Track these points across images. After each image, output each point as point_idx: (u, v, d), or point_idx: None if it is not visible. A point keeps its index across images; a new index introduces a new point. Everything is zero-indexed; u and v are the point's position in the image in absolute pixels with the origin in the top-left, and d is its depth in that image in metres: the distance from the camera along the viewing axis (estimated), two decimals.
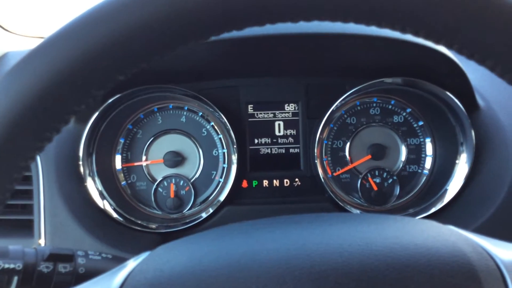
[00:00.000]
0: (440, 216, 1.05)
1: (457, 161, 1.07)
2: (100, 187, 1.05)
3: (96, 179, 1.05)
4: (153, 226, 1.06)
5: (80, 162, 1.02)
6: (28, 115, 0.36)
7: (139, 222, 1.06)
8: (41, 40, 0.39)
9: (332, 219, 0.50)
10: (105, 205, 1.04)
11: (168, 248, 0.48)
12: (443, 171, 1.11)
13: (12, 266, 0.62)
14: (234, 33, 0.41)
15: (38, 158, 0.98)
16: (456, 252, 0.43)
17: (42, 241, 0.95)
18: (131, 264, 0.46)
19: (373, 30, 0.90)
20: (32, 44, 1.23)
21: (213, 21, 0.38)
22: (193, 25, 0.38)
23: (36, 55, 0.37)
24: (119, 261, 0.68)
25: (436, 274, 0.41)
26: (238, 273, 0.41)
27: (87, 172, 1.04)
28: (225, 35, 0.41)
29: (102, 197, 1.04)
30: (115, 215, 1.04)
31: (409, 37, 0.88)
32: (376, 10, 0.40)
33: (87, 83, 0.38)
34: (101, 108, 1.03)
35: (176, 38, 0.38)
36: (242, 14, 0.39)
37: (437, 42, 0.42)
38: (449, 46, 0.42)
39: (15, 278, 0.62)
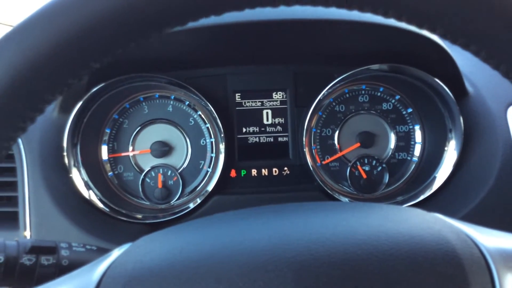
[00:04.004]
0: (429, 204, 1.04)
1: (446, 148, 1.07)
2: (86, 178, 1.04)
3: (82, 169, 1.04)
4: (139, 216, 1.05)
5: (65, 153, 1.01)
6: None
7: (125, 212, 1.04)
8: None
9: (315, 208, 0.50)
10: (90, 195, 1.02)
11: (149, 240, 0.47)
12: (432, 158, 1.10)
13: None
14: (219, 20, 0.40)
15: (22, 150, 0.96)
16: (440, 240, 0.43)
17: (27, 233, 0.94)
18: (114, 254, 0.45)
19: (360, 16, 0.89)
20: None
21: (185, 8, 0.37)
22: (163, 13, 0.37)
23: (5, 43, 0.36)
24: (104, 252, 0.68)
25: (419, 262, 0.41)
26: (219, 263, 0.40)
27: (72, 163, 1.02)
28: (210, 22, 0.40)
29: (88, 187, 1.03)
30: (100, 205, 1.02)
31: (396, 23, 0.87)
32: None
33: (60, 70, 0.37)
34: (85, 97, 1.01)
35: (148, 26, 0.37)
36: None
37: (420, 27, 0.41)
38: (432, 31, 0.41)
39: None
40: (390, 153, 1.15)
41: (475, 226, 0.47)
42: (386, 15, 0.40)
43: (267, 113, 1.14)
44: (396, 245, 0.42)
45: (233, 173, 1.12)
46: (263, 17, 0.90)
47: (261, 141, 1.14)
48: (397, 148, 1.15)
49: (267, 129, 1.14)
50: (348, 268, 0.40)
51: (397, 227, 0.45)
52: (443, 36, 0.41)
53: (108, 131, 1.12)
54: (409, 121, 1.15)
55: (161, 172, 1.12)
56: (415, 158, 1.15)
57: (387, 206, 0.51)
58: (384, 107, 1.15)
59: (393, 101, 1.15)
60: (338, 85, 1.08)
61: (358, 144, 1.14)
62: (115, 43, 0.38)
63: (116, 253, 0.46)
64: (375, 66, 1.05)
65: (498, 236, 0.46)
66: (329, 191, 1.08)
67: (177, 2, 0.37)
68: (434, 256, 0.41)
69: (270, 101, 1.14)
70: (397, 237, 0.43)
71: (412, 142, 1.15)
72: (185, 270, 0.40)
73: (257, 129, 1.14)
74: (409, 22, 0.41)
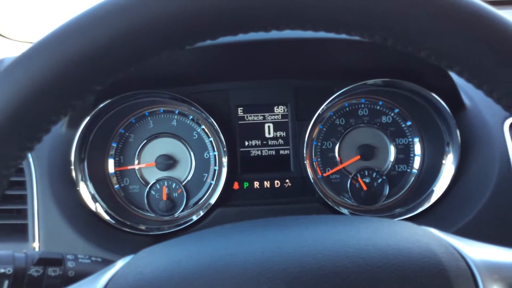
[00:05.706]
0: (427, 216, 1.06)
1: (444, 161, 1.08)
2: (93, 191, 1.06)
3: (89, 183, 1.07)
4: (144, 228, 1.08)
5: (72, 167, 1.04)
6: (6, 126, 0.38)
7: (130, 223, 1.07)
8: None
9: (308, 221, 0.51)
10: (97, 208, 1.05)
11: (150, 252, 0.49)
12: (431, 170, 1.12)
13: (2, 270, 0.63)
14: (221, 39, 0.42)
15: (32, 164, 0.99)
16: (427, 253, 0.44)
17: (36, 245, 0.96)
18: (117, 266, 0.48)
19: None
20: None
21: (181, 33, 0.39)
22: (160, 40, 0.39)
23: (14, 67, 0.39)
24: (109, 264, 0.70)
25: (406, 275, 0.42)
26: (214, 275, 0.42)
27: (80, 176, 1.05)
28: (213, 41, 0.42)
29: (95, 200, 1.06)
30: (106, 217, 1.05)
31: None
32: (345, 19, 0.41)
33: (65, 93, 0.40)
34: (92, 113, 1.04)
35: (146, 52, 0.40)
36: (215, 25, 0.41)
37: (405, 49, 0.43)
38: (417, 53, 0.43)
39: (6, 282, 0.64)
40: (390, 165, 1.17)
41: (463, 239, 0.48)
42: (372, 38, 0.42)
43: (268, 126, 1.16)
44: (385, 258, 0.43)
45: (236, 186, 1.15)
46: (264, 36, 0.93)
47: (263, 154, 1.16)
48: (397, 160, 1.17)
49: (269, 143, 1.16)
50: (338, 280, 0.42)
51: (386, 240, 0.46)
52: (427, 58, 0.43)
53: (114, 145, 1.15)
54: (408, 134, 1.17)
55: (165, 184, 1.15)
56: (414, 170, 1.16)
57: (378, 220, 0.53)
58: (384, 120, 1.17)
59: (392, 114, 1.17)
60: (338, 99, 1.11)
61: (359, 157, 1.16)
62: (115, 68, 0.40)
63: (119, 264, 0.48)
64: (371, 81, 1.07)
65: (485, 249, 0.48)
66: (330, 203, 1.09)
67: (173, 28, 0.39)
68: (421, 268, 0.43)
69: (271, 115, 1.16)
70: (385, 250, 0.44)
71: (412, 155, 1.17)
72: (183, 282, 0.42)
73: (259, 143, 1.16)
74: (394, 45, 0.43)
